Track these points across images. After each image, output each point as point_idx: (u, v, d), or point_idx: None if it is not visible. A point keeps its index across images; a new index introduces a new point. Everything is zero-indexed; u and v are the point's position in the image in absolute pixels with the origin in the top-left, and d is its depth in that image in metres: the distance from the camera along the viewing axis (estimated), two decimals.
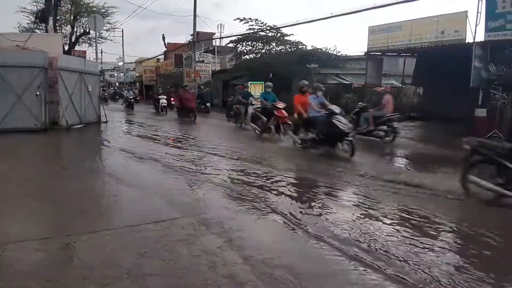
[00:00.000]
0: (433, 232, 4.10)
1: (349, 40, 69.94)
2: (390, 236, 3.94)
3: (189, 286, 2.91)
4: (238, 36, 27.77)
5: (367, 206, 4.98)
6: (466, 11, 14.00)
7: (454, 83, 15.09)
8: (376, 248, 3.58)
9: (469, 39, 13.78)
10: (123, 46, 44.52)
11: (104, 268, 3.10)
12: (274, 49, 27.40)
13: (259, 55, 27.36)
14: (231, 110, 18.40)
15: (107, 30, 31.95)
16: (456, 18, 14.57)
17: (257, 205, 4.84)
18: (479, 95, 12.77)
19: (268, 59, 24.54)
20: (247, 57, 28.43)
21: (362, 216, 4.57)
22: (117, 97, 37.72)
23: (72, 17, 29.75)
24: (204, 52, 34.61)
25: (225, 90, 28.93)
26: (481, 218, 4.73)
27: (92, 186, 5.91)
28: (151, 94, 30.51)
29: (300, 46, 26.67)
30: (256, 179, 6.31)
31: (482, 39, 12.81)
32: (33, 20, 25.64)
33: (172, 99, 26.43)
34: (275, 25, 26.14)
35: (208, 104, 21.27)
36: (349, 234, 3.95)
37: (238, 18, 26.37)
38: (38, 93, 11.73)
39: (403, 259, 3.35)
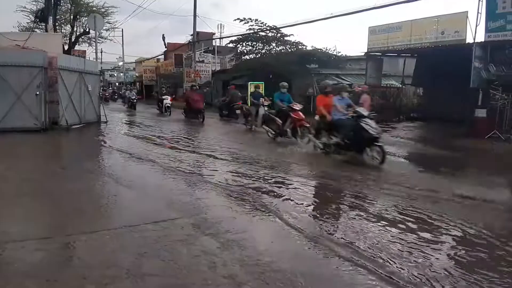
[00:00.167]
0: None
1: (349, 40, 69.97)
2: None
3: (188, 286, 2.90)
4: (238, 36, 27.77)
5: (411, 223, 4.33)
6: (466, 12, 14.00)
7: (454, 83, 15.10)
8: None
9: (469, 40, 13.78)
10: (123, 46, 44.59)
11: (104, 268, 3.09)
12: (274, 49, 27.39)
13: (259, 55, 27.34)
14: (223, 110, 18.41)
15: (107, 30, 31.95)
16: (456, 18, 14.56)
17: (271, 217, 4.44)
18: (479, 96, 12.78)
19: (268, 59, 24.52)
20: (247, 57, 28.42)
21: (410, 237, 3.92)
22: (115, 96, 37.70)
23: (72, 17, 29.74)
24: (204, 52, 34.63)
25: (225, 91, 28.94)
26: None
27: (92, 186, 5.90)
28: (154, 95, 29.88)
29: (300, 47, 26.67)
30: (273, 187, 5.84)
31: (482, 40, 12.82)
32: (33, 19, 25.62)
33: (170, 98, 26.49)
34: (274, 26, 26.15)
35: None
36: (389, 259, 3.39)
37: (238, 18, 26.36)
38: (37, 93, 11.71)
39: None
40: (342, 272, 3.17)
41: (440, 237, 4.01)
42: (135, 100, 24.52)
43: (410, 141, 12.12)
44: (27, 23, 29.14)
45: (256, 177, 6.46)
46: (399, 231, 4.11)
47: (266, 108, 12.77)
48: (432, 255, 3.50)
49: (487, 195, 5.44)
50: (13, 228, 3.91)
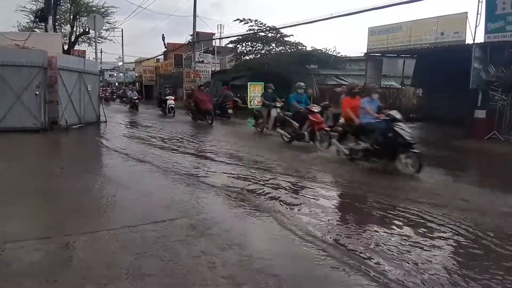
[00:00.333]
0: None
1: (348, 41, 70.02)
2: None
3: (188, 286, 2.91)
4: (238, 37, 27.79)
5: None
6: (466, 13, 14.02)
7: (454, 84, 15.11)
8: None
9: (469, 41, 13.81)
10: (122, 46, 44.66)
11: (103, 268, 3.09)
12: (274, 49, 27.42)
13: (259, 55, 27.37)
14: (216, 110, 18.36)
15: (106, 30, 31.94)
16: (456, 19, 14.58)
17: (288, 232, 3.99)
18: (478, 97, 12.79)
19: (268, 60, 24.54)
20: (247, 57, 28.44)
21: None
22: (114, 96, 37.59)
23: (71, 17, 29.73)
24: (204, 52, 34.60)
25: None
26: None
27: (91, 186, 5.90)
28: (157, 95, 29.37)
29: (300, 47, 26.70)
30: (292, 194, 5.49)
31: (482, 41, 12.83)
32: (33, 19, 25.60)
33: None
34: (274, 26, 26.18)
35: None
36: None
37: (237, 19, 26.42)
38: (37, 93, 11.70)
39: None
40: None
41: None
42: (137, 101, 23.71)
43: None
44: (27, 22, 29.14)
45: (273, 184, 6.04)
46: (461, 258, 3.58)
47: (278, 110, 12.13)
48: None
49: None
50: (13, 228, 3.90)
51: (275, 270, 3.14)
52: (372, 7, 15.41)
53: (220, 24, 54.55)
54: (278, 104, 12.43)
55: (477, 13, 12.62)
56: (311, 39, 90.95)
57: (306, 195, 5.51)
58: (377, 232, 4.17)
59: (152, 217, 4.28)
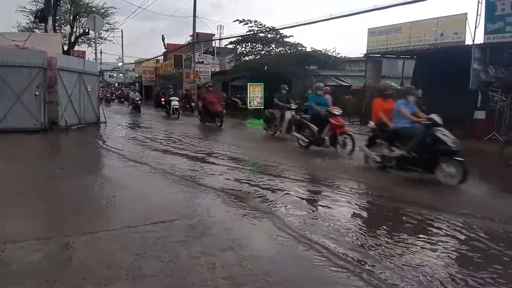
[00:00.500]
0: None
1: (348, 41, 70.11)
2: None
3: (188, 287, 2.90)
4: (237, 38, 27.85)
5: None
6: (466, 13, 14.03)
7: (454, 85, 15.11)
8: None
9: (468, 41, 13.82)
10: (122, 47, 44.71)
11: (103, 269, 3.09)
12: (273, 50, 27.47)
13: (258, 56, 27.41)
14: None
15: (106, 31, 32.04)
16: (456, 20, 14.59)
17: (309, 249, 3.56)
18: (478, 97, 12.80)
19: (267, 61, 24.58)
20: (247, 58, 28.47)
21: None
22: (113, 97, 37.53)
23: (71, 17, 29.78)
24: (203, 53, 34.65)
25: (225, 92, 28.97)
26: None
27: (91, 187, 5.90)
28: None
29: (299, 48, 26.76)
30: (313, 204, 5.05)
31: (482, 41, 12.84)
32: (33, 19, 25.64)
33: (163, 99, 26.42)
34: (273, 27, 26.24)
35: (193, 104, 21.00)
36: None
37: (237, 20, 26.53)
38: (37, 93, 11.71)
39: None
40: None
41: None
42: (139, 102, 23.00)
43: None
44: (27, 23, 29.23)
45: (289, 191, 5.64)
46: None
47: (293, 112, 11.55)
48: None
49: None
50: (13, 228, 3.90)
51: (275, 271, 3.14)
52: (372, 8, 15.46)
53: (220, 25, 54.62)
54: (293, 106, 11.86)
55: (477, 14, 12.65)
56: (310, 40, 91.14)
57: (331, 206, 4.97)
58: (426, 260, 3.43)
59: (152, 218, 4.28)
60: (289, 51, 26.57)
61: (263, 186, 5.93)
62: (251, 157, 8.50)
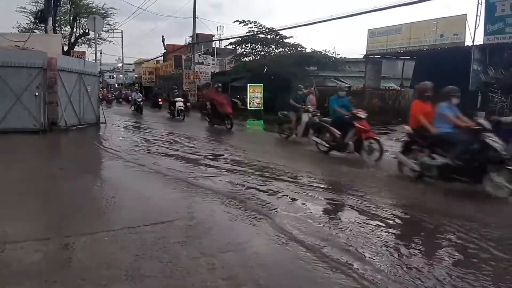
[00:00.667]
0: None
1: (348, 42, 70.19)
2: None
3: (187, 287, 2.90)
4: (237, 38, 27.86)
5: None
6: (466, 15, 14.09)
7: (453, 86, 15.14)
8: None
9: (468, 42, 13.87)
10: (122, 47, 44.81)
11: (102, 269, 3.09)
12: (273, 51, 27.48)
13: (258, 57, 27.42)
14: (203, 110, 18.36)
15: (106, 31, 32.09)
16: (456, 21, 14.64)
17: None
18: (478, 98, 12.82)
19: (267, 61, 24.59)
20: (246, 59, 28.49)
21: None
22: (112, 97, 37.47)
23: (71, 18, 29.83)
24: (203, 54, 34.68)
25: (225, 92, 29.01)
26: None
27: (91, 188, 5.89)
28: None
29: (299, 49, 26.76)
30: (347, 222, 4.33)
31: (481, 42, 12.88)
32: (33, 20, 25.68)
33: (160, 99, 26.32)
34: (273, 28, 26.25)
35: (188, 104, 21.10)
36: None
37: (237, 20, 26.52)
38: (37, 94, 11.71)
39: None
40: None
41: None
42: (141, 103, 22.22)
43: None
44: (27, 24, 29.27)
45: (308, 201, 5.14)
46: None
47: (310, 115, 10.82)
48: None
49: None
50: (12, 229, 3.90)
51: (275, 273, 3.14)
52: (372, 9, 15.49)
53: (220, 26, 54.66)
54: (311, 108, 11.18)
55: (477, 15, 12.71)
56: (310, 40, 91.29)
57: (362, 221, 4.40)
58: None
59: (151, 219, 4.28)
60: (289, 52, 26.57)
61: (278, 194, 5.43)
62: (268, 163, 7.72)
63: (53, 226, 4.18)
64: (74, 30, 30.82)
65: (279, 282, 3.01)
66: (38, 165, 7.75)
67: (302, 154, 9.42)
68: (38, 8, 25.27)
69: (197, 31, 29.88)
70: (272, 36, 27.09)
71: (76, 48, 32.55)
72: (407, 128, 6.88)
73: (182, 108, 18.63)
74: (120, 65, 51.95)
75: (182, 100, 19.27)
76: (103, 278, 2.94)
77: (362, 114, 8.52)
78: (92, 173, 6.91)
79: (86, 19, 26.76)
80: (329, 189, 5.99)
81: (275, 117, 14.74)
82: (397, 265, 3.32)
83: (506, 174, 5.48)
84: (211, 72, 32.22)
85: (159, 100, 26.05)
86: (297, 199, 5.24)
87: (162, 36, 39.62)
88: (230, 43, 29.51)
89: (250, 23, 26.27)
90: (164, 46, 39.28)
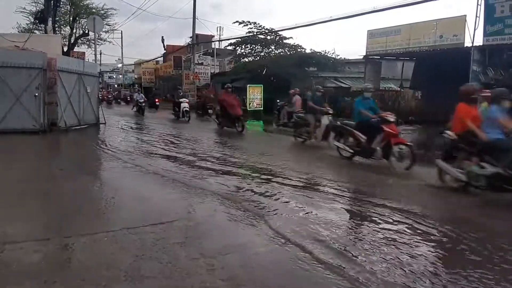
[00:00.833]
0: None
1: (348, 43, 70.28)
2: None
3: None
4: (237, 39, 27.88)
5: None
6: (465, 16, 14.12)
7: (453, 87, 15.14)
8: None
9: (467, 43, 13.89)
10: (122, 48, 44.91)
11: (102, 270, 3.09)
12: (273, 52, 27.51)
13: (258, 58, 27.44)
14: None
15: (106, 32, 32.12)
16: (455, 22, 14.66)
17: None
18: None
19: (267, 62, 24.62)
20: (246, 59, 28.51)
21: None
22: (111, 97, 37.38)
23: (71, 18, 29.86)
24: (203, 54, 34.71)
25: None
26: None
27: (90, 188, 5.89)
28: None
29: (299, 49, 26.79)
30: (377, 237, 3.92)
31: (481, 43, 12.90)
32: (32, 20, 25.69)
33: (157, 99, 26.23)
34: (273, 28, 26.27)
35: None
36: None
37: (237, 21, 26.59)
38: (36, 94, 11.71)
39: None
40: None
41: None
42: (143, 104, 21.85)
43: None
44: (27, 24, 29.32)
45: (338, 213, 4.69)
46: None
47: (330, 117, 10.44)
48: None
49: None
50: (12, 229, 3.90)
51: (275, 274, 3.15)
52: (371, 10, 15.52)
53: (220, 26, 54.66)
54: (331, 111, 10.72)
55: (476, 16, 12.72)
56: (310, 41, 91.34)
57: (399, 240, 3.85)
58: None
59: (151, 219, 4.28)
60: (288, 53, 26.60)
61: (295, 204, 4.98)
62: (289, 170, 7.18)
63: (52, 226, 4.18)
64: (74, 30, 30.88)
65: (279, 283, 3.02)
66: (37, 165, 7.75)
67: (324, 159, 8.77)
68: (37, 8, 25.31)
69: (196, 31, 29.93)
70: (271, 36, 27.12)
71: (76, 49, 32.62)
72: (450, 133, 6.23)
73: (188, 109, 18.25)
74: (119, 65, 51.96)
75: (187, 100, 19.09)
76: (102, 279, 2.94)
77: (391, 117, 7.91)
78: (92, 174, 6.91)
79: (86, 20, 26.79)
80: (362, 200, 5.31)
81: (274, 117, 14.86)
82: None
83: None
84: (211, 72, 32.25)
85: (156, 100, 25.99)
86: (325, 212, 4.68)
87: (162, 37, 39.68)
88: (230, 44, 29.58)
89: (250, 24, 26.33)
90: (163, 46, 39.31)
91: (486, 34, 12.62)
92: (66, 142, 11.40)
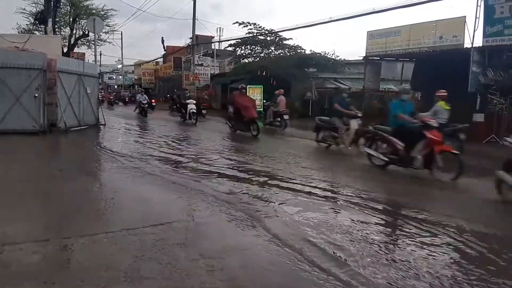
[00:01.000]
0: None
1: (347, 44, 70.35)
2: None
3: None
4: (237, 40, 27.91)
5: None
6: (465, 16, 14.12)
7: (452, 88, 15.15)
8: None
9: (467, 44, 13.89)
10: (122, 49, 44.91)
11: (101, 271, 3.09)
12: (273, 53, 27.54)
13: (258, 59, 27.46)
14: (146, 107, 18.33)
15: (106, 33, 32.14)
16: (455, 23, 14.66)
17: None
18: (477, 100, 12.83)
19: (267, 63, 24.63)
20: (246, 60, 28.53)
21: None
22: (112, 99, 37.21)
23: (71, 19, 29.88)
24: (203, 55, 34.72)
25: (225, 93, 29.04)
26: None
27: (90, 189, 5.89)
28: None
29: (299, 50, 26.81)
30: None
31: (480, 44, 12.91)
32: (32, 21, 25.69)
33: (154, 100, 26.12)
34: (272, 29, 26.29)
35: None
36: None
37: (237, 22, 26.65)
38: (36, 95, 11.70)
39: None
40: None
41: None
42: (146, 106, 21.29)
43: None
44: (27, 25, 29.32)
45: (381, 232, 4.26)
46: None
47: (359, 121, 9.83)
48: None
49: None
50: (11, 230, 3.89)
51: (275, 275, 3.14)
52: (371, 11, 15.52)
53: (219, 27, 54.75)
54: (360, 114, 10.09)
55: (476, 17, 12.73)
56: (310, 42, 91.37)
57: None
58: None
59: (150, 220, 4.28)
60: (288, 54, 26.63)
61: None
62: (315, 180, 6.58)
63: (52, 227, 4.17)
64: (74, 31, 30.89)
65: (279, 283, 3.01)
66: (37, 166, 7.74)
67: (354, 168, 8.03)
68: (37, 9, 25.26)
69: (196, 32, 29.93)
70: (271, 37, 27.15)
71: (76, 50, 32.63)
72: (509, 140, 5.71)
73: (195, 111, 17.49)
74: (119, 66, 52.01)
75: (194, 102, 18.47)
76: (102, 280, 2.94)
77: (434, 122, 7.08)
78: (91, 175, 6.90)
79: (86, 21, 26.80)
80: (397, 214, 4.84)
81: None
82: None
83: None
84: (211, 73, 32.25)
85: (153, 101, 25.74)
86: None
87: (162, 38, 39.74)
88: (230, 45, 29.65)
89: (250, 25, 26.36)
90: (163, 47, 39.33)
91: (485, 35, 12.62)
92: (65, 143, 11.39)
